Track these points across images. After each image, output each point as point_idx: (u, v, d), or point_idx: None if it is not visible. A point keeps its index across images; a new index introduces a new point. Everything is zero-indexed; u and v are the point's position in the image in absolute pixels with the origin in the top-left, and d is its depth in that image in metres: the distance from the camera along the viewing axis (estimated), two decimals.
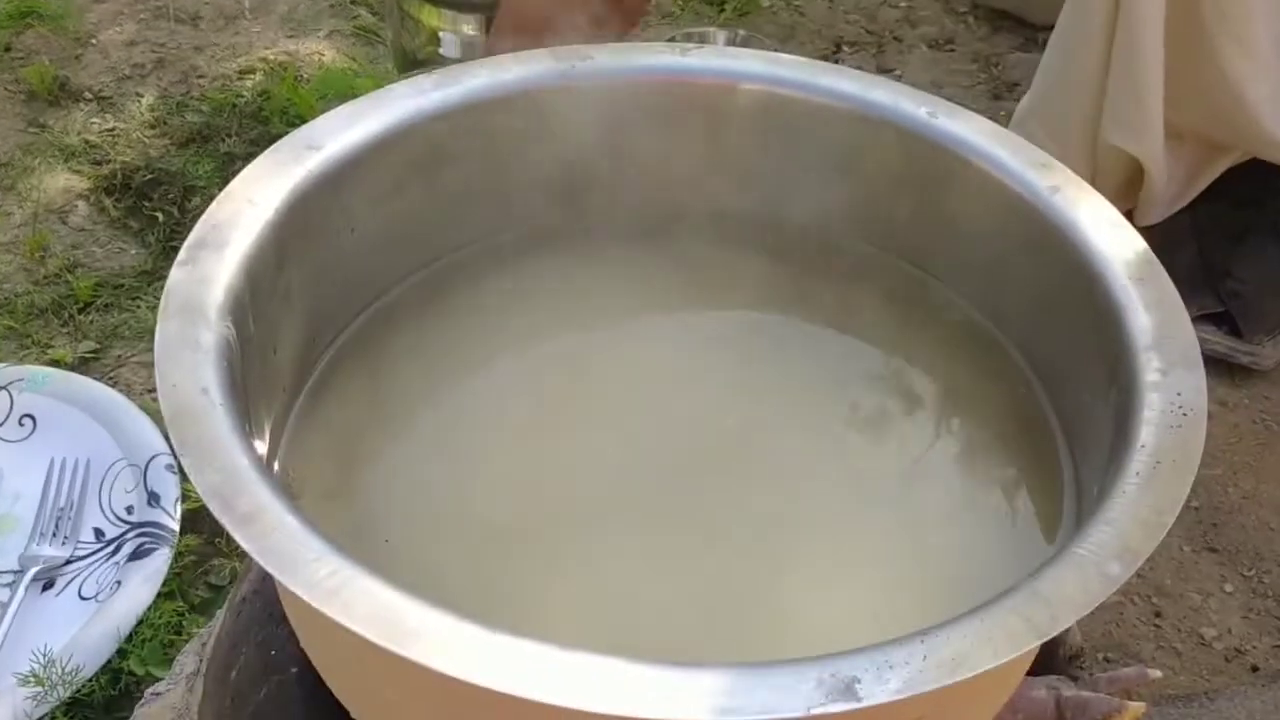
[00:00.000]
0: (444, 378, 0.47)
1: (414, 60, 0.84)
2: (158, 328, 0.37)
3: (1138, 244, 0.42)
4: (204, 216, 0.41)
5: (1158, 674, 0.54)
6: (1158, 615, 0.71)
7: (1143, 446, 0.35)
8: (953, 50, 1.12)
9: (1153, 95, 0.78)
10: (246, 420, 0.37)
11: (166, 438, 0.71)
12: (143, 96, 0.96)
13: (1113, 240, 0.42)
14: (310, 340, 0.46)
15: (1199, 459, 0.35)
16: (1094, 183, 0.85)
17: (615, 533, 0.42)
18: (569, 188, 0.50)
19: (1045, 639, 0.30)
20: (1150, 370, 0.38)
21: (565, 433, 0.46)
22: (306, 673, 0.44)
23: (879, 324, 0.49)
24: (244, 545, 0.32)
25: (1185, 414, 0.36)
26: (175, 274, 0.39)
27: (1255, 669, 0.69)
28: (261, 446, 0.42)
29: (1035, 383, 0.45)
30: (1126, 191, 0.87)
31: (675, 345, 0.49)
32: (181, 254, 0.40)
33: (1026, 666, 0.39)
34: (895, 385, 0.47)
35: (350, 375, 0.46)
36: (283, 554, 0.31)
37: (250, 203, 0.42)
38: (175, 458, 0.70)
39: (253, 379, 0.40)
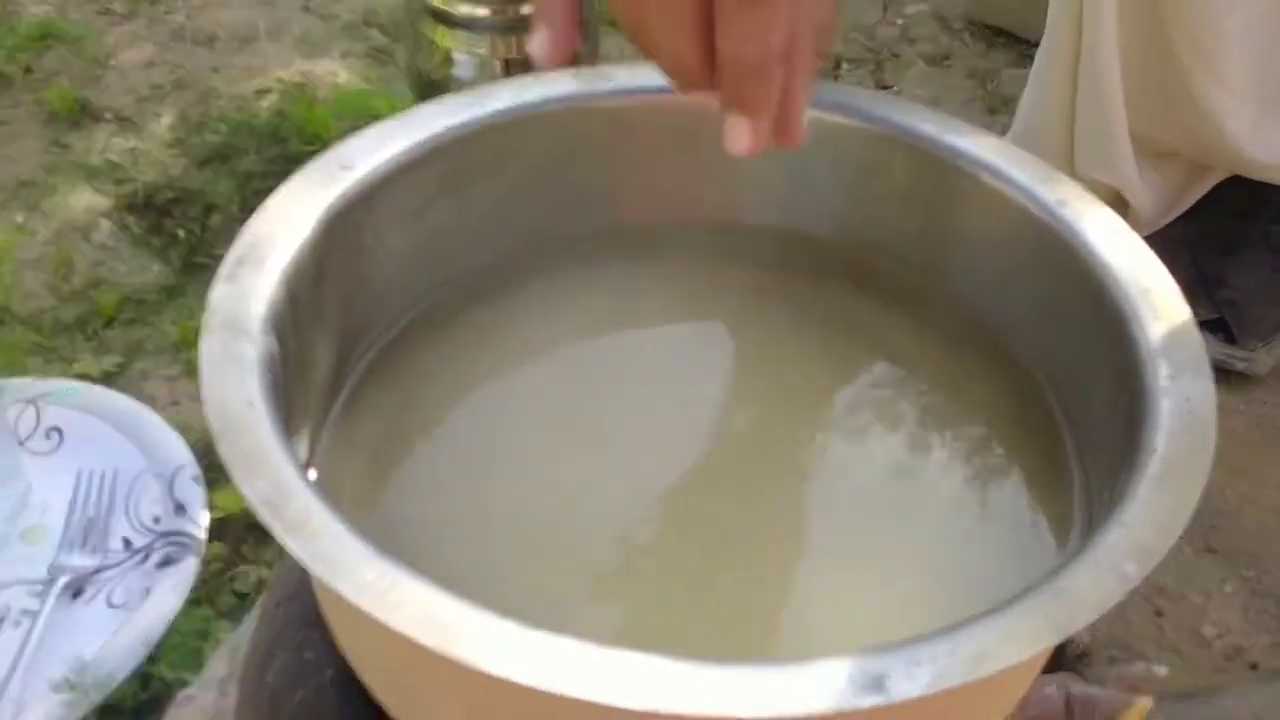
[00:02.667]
0: (471, 390, 0.49)
1: (428, 81, 0.86)
2: (202, 343, 0.39)
3: (1144, 253, 0.44)
4: (242, 234, 0.43)
5: (1164, 670, 0.56)
6: (1159, 615, 0.73)
7: (1154, 451, 0.37)
8: (949, 66, 1.14)
9: (1118, 129, 0.80)
10: (289, 433, 0.38)
11: (192, 449, 0.73)
12: (162, 116, 0.98)
13: (1119, 250, 0.44)
14: (343, 355, 0.47)
15: (1210, 462, 0.37)
16: None
17: (642, 538, 0.44)
18: (594, 204, 0.52)
19: (1066, 636, 0.32)
20: (1159, 377, 0.39)
21: (591, 441, 0.47)
22: (342, 675, 0.46)
23: (889, 337, 0.50)
24: (294, 551, 0.33)
25: (1195, 418, 0.38)
26: (218, 290, 0.41)
27: (1254, 667, 0.70)
28: (303, 457, 0.43)
29: (1046, 391, 0.47)
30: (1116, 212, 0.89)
31: (692, 355, 0.51)
32: (223, 269, 0.41)
33: (1042, 664, 0.40)
34: (906, 396, 0.49)
35: (381, 388, 0.48)
36: (331, 558, 0.33)
37: (287, 221, 0.44)
38: (202, 469, 0.72)
39: (294, 392, 0.42)
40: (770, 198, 0.52)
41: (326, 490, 0.44)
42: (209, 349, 0.39)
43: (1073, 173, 0.84)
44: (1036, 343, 0.47)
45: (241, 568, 0.69)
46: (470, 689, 0.34)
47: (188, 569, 0.67)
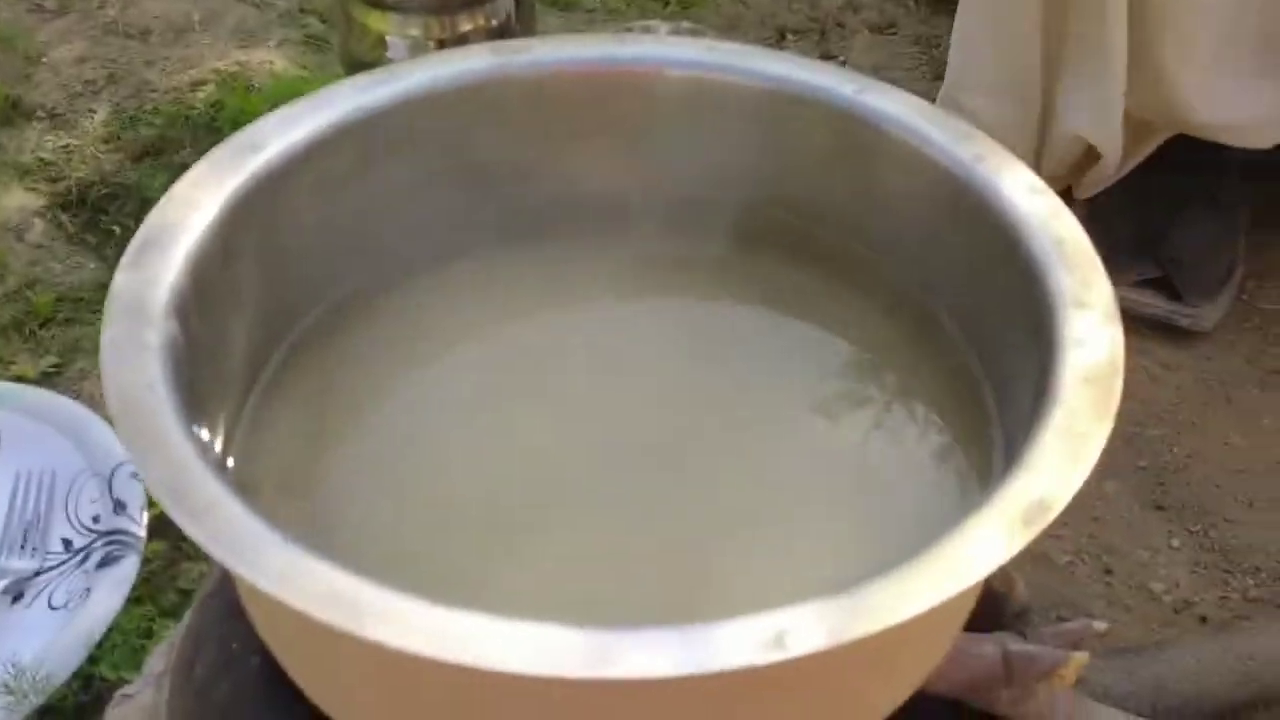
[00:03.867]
0: (396, 372, 0.48)
1: (362, 65, 0.84)
2: (103, 330, 0.38)
3: (1057, 207, 0.44)
4: (147, 219, 0.42)
5: (1103, 625, 0.56)
6: (1108, 573, 0.73)
7: (1061, 401, 0.37)
8: (895, 34, 1.14)
9: (1116, 86, 0.80)
10: (197, 416, 0.38)
11: None
12: (95, 112, 0.96)
13: (1034, 204, 0.44)
14: (262, 338, 0.46)
15: (1115, 409, 0.37)
16: (1039, 161, 0.88)
17: (571, 514, 0.43)
18: (513, 180, 0.51)
19: (966, 587, 0.32)
20: (1070, 326, 0.39)
21: (520, 420, 0.47)
22: (267, 664, 0.45)
23: (815, 301, 0.50)
24: (193, 535, 0.33)
25: (1102, 367, 0.38)
26: (120, 277, 0.40)
27: (1204, 619, 0.71)
28: (217, 444, 0.43)
29: (968, 348, 0.47)
30: (1072, 169, 0.89)
31: (623, 330, 0.50)
32: (126, 257, 0.41)
33: (961, 618, 0.41)
34: (832, 358, 0.49)
35: (304, 371, 0.47)
36: (232, 543, 0.33)
37: (194, 205, 0.43)
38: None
39: (204, 378, 0.41)
40: (693, 167, 0.52)
41: (247, 478, 0.44)
42: (110, 336, 0.38)
43: (1037, 120, 0.84)
44: (959, 300, 0.47)
45: (184, 565, 0.69)
46: (376, 666, 0.34)
47: (129, 568, 0.67)
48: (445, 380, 0.49)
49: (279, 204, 0.46)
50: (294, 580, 0.31)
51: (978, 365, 0.46)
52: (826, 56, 1.12)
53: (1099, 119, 0.82)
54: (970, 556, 0.32)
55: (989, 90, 0.85)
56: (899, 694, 0.38)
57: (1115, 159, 0.84)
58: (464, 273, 0.50)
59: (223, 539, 0.32)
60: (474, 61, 0.50)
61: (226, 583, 0.49)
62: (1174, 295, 0.88)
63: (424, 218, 0.51)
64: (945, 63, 1.14)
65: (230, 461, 0.44)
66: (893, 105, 0.48)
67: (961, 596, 0.33)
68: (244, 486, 0.44)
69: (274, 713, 0.44)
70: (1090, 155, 0.86)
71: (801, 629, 0.30)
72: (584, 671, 0.29)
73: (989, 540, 0.33)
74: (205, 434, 0.40)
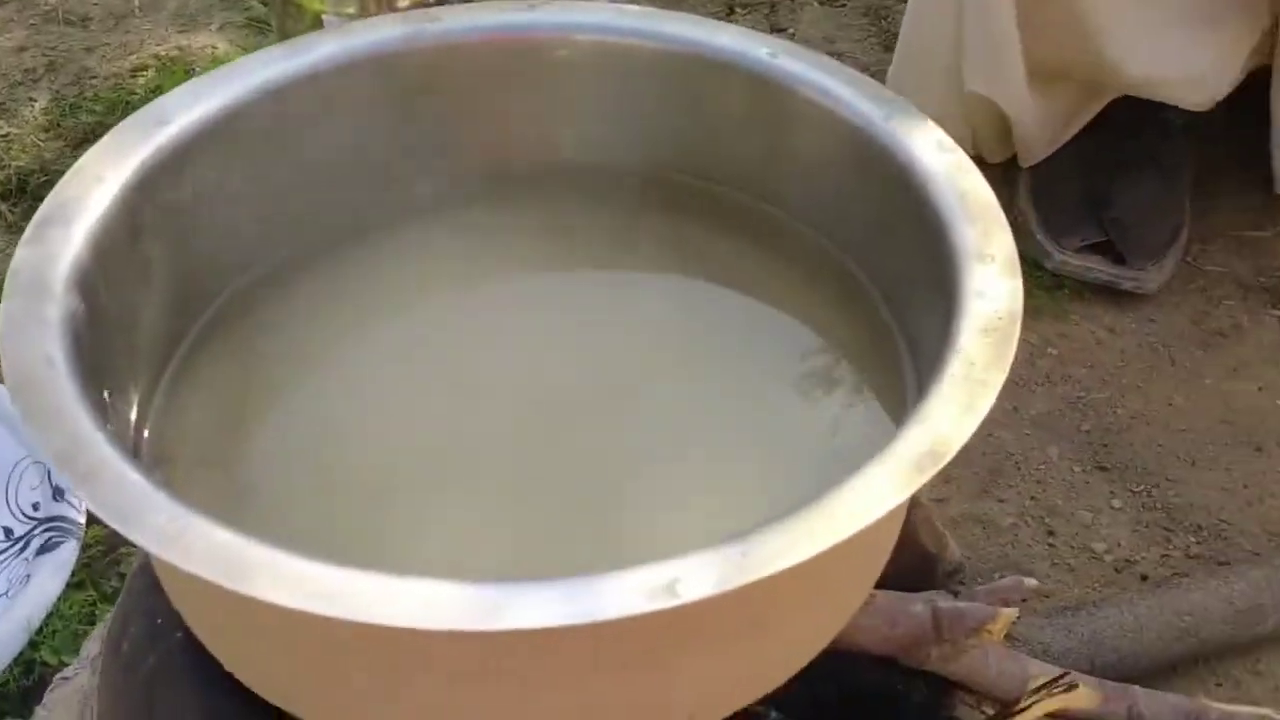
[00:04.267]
0: (312, 347, 0.48)
1: None
2: (2, 304, 0.38)
3: (963, 162, 0.44)
4: (51, 194, 0.42)
5: (1033, 582, 0.56)
6: (1050, 534, 0.74)
7: (959, 350, 0.37)
8: (844, 6, 1.14)
9: (1008, 42, 0.80)
10: (97, 389, 0.37)
11: None
12: (36, 101, 0.95)
13: (940, 161, 0.44)
14: (175, 314, 0.46)
15: (1011, 358, 0.37)
16: (973, 134, 0.88)
17: (478, 480, 0.43)
18: (425, 151, 0.51)
19: (854, 532, 0.32)
20: (971, 279, 0.40)
21: (431, 392, 0.47)
22: (191, 636, 0.45)
23: (735, 263, 0.50)
24: (86, 501, 0.33)
25: (1000, 319, 0.38)
26: (21, 252, 0.40)
27: (1144, 578, 0.72)
28: (130, 417, 0.43)
29: (881, 303, 0.47)
30: (1005, 138, 0.89)
31: (537, 298, 0.50)
32: (27, 232, 0.41)
33: (871, 568, 0.41)
34: (751, 319, 0.49)
35: (219, 348, 0.47)
36: (123, 507, 0.33)
37: (98, 179, 0.43)
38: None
39: (113, 354, 0.41)
40: (610, 133, 0.52)
41: (162, 453, 0.44)
42: (8, 310, 0.38)
43: (960, 92, 0.84)
44: (871, 257, 0.48)
45: (124, 549, 0.68)
46: (273, 627, 0.34)
47: (68, 553, 0.66)
48: (360, 354, 0.48)
49: (186, 178, 0.46)
50: (179, 540, 0.31)
51: (892, 320, 0.47)
52: (776, 29, 1.12)
53: (996, 76, 0.82)
54: (860, 503, 0.32)
55: (924, 72, 0.85)
56: (810, 645, 0.39)
57: (1027, 119, 0.84)
58: (379, 246, 0.50)
59: (110, 501, 0.32)
60: (385, 32, 0.50)
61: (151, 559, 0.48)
62: (1118, 259, 0.88)
63: (338, 191, 0.51)
64: (893, 33, 1.14)
65: (145, 434, 0.44)
66: (805, 67, 0.49)
67: (857, 542, 0.33)
68: (159, 459, 0.44)
69: (198, 683, 0.44)
70: (1012, 129, 0.87)
71: (693, 576, 0.31)
72: (475, 624, 0.29)
73: (880, 487, 0.33)
74: (113, 407, 0.40)
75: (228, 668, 0.39)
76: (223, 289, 0.48)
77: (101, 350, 0.40)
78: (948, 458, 0.34)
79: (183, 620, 0.45)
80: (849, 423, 0.46)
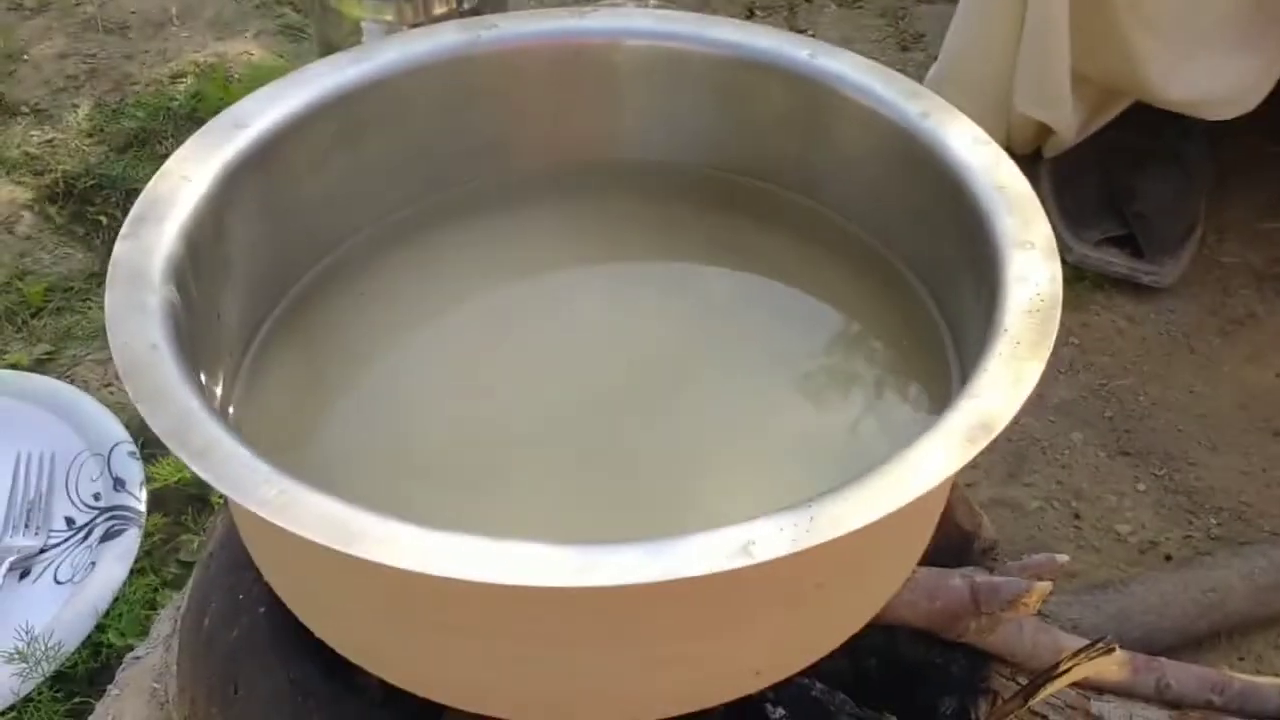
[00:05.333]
0: (383, 333, 0.51)
1: (338, 51, 0.87)
2: (106, 294, 0.41)
3: (999, 155, 0.46)
4: (143, 194, 0.45)
5: (1064, 558, 0.58)
6: (1076, 517, 0.76)
7: (1005, 330, 0.40)
8: (861, 7, 1.16)
9: (1060, 68, 0.83)
10: (197, 372, 0.40)
11: (126, 428, 0.74)
12: (78, 106, 0.98)
13: (977, 154, 0.46)
14: (254, 304, 0.49)
15: (1054, 338, 0.39)
16: (1008, 140, 0.90)
17: (542, 459, 0.46)
18: (486, 149, 0.53)
19: (913, 499, 0.34)
20: (1013, 265, 0.42)
21: (496, 377, 0.49)
22: (273, 610, 0.48)
23: (776, 256, 0.53)
24: (201, 475, 0.35)
25: (1042, 300, 0.41)
26: (119, 246, 0.42)
27: (1168, 558, 0.74)
28: (217, 398, 0.45)
29: (921, 290, 0.49)
30: (1038, 139, 0.92)
31: (593, 290, 0.53)
32: (124, 229, 0.43)
33: (920, 537, 0.43)
34: (796, 307, 0.51)
35: (295, 335, 0.50)
36: (236, 479, 0.35)
37: (185, 179, 0.46)
38: (137, 445, 0.73)
39: (200, 341, 0.44)
40: (656, 132, 0.54)
41: (246, 427, 0.46)
42: (113, 300, 0.40)
43: (1007, 104, 0.87)
44: (910, 247, 0.50)
45: (184, 537, 0.71)
46: (375, 591, 0.36)
47: (131, 540, 0.69)
48: (424, 342, 0.51)
49: (265, 177, 0.48)
50: (290, 509, 0.34)
51: (933, 306, 0.49)
52: (795, 31, 1.15)
53: (1048, 102, 0.85)
54: (917, 471, 0.35)
55: (966, 82, 0.88)
56: (866, 609, 0.41)
57: (1070, 131, 0.87)
58: (444, 239, 0.53)
59: (225, 474, 0.35)
60: (444, 39, 0.52)
61: (231, 539, 0.51)
62: (1135, 252, 0.90)
63: (403, 188, 0.53)
64: (910, 33, 1.17)
65: (230, 412, 0.46)
66: (845, 67, 0.51)
67: (913, 509, 0.35)
68: (243, 436, 0.46)
69: (279, 655, 0.47)
70: (1049, 132, 0.89)
71: (767, 538, 0.33)
72: (570, 581, 0.32)
73: (937, 457, 0.35)
74: (207, 388, 0.42)
75: (318, 633, 0.41)
76: (295, 281, 0.51)
77: (195, 338, 0.42)
78: (997, 430, 0.36)
79: (266, 597, 0.48)
80: (894, 402, 0.48)
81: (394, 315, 0.51)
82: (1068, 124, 0.86)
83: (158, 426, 0.36)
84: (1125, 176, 0.92)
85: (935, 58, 0.94)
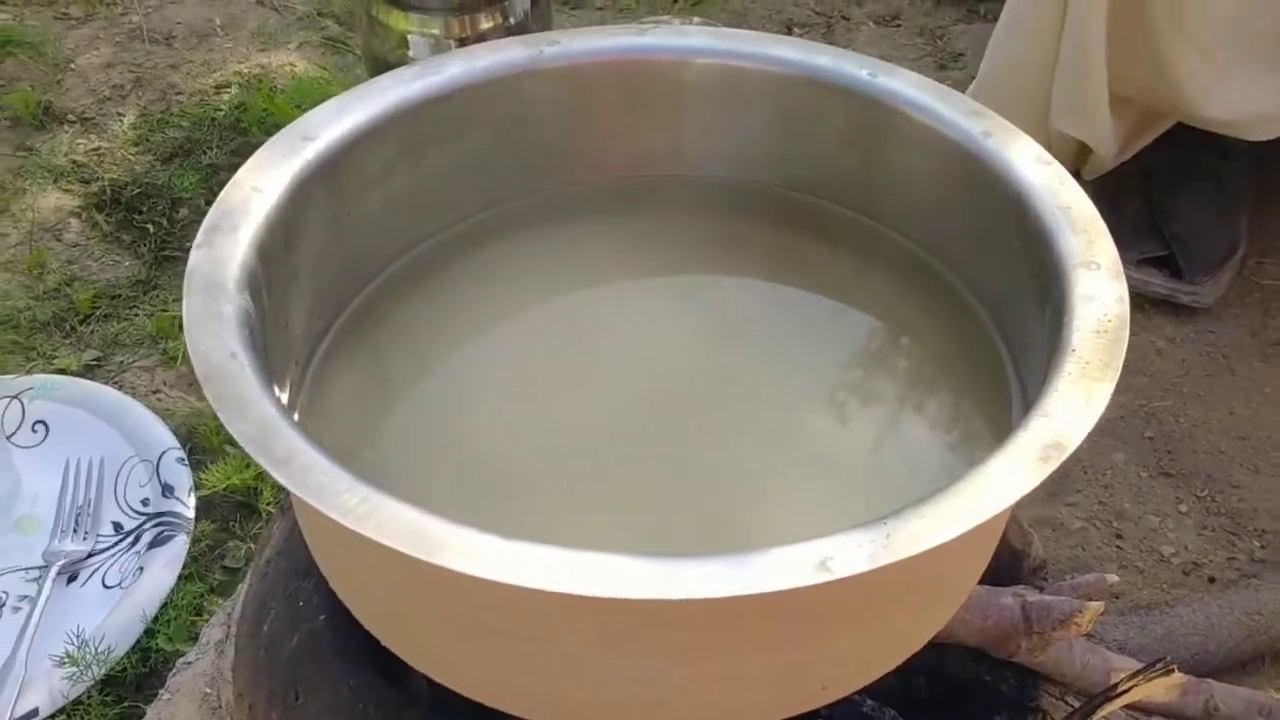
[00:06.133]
0: (444, 342, 0.51)
1: (385, 64, 0.88)
2: (184, 302, 0.41)
3: (1063, 175, 0.46)
4: (215, 204, 0.45)
5: (1114, 579, 0.58)
6: (1119, 537, 0.76)
7: (1073, 351, 0.40)
8: (899, 26, 1.17)
9: (1097, 87, 0.83)
10: (270, 380, 0.40)
11: (174, 433, 0.75)
12: (124, 116, 0.99)
13: (1041, 174, 0.47)
14: (317, 314, 0.49)
15: (1123, 357, 0.40)
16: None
17: (615, 463, 0.46)
18: (547, 163, 0.54)
19: (989, 518, 0.34)
20: (1079, 285, 0.42)
21: (559, 384, 0.50)
22: (334, 618, 0.48)
23: (834, 273, 0.53)
24: (283, 482, 0.36)
25: (1110, 320, 0.41)
26: (195, 255, 0.43)
27: (1212, 580, 0.74)
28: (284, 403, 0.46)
29: (982, 312, 0.50)
30: (1078, 160, 0.92)
31: (656, 303, 0.53)
32: (199, 238, 0.44)
33: (984, 556, 0.43)
34: (853, 327, 0.52)
35: (358, 344, 0.50)
36: (318, 487, 0.35)
37: (256, 190, 0.46)
38: (185, 451, 0.74)
39: (271, 349, 0.44)
40: (717, 149, 0.55)
41: (312, 433, 0.47)
42: (190, 307, 0.41)
43: (1044, 122, 0.87)
44: (970, 266, 0.50)
45: (230, 544, 0.72)
46: (453, 601, 0.37)
47: (179, 546, 0.69)
48: (490, 350, 0.51)
49: (332, 188, 0.49)
50: (371, 517, 0.34)
51: (991, 326, 0.49)
52: None
53: (1085, 119, 0.85)
54: (994, 489, 0.35)
55: (1005, 101, 0.88)
56: (931, 626, 0.41)
57: (1108, 151, 0.87)
58: (505, 250, 0.53)
59: (307, 482, 0.35)
60: (507, 54, 0.53)
61: (290, 546, 0.51)
62: (1175, 273, 0.90)
63: (464, 200, 0.54)
64: (948, 52, 1.17)
65: (296, 420, 0.46)
66: (905, 86, 0.51)
67: (987, 527, 0.35)
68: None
69: (340, 663, 0.47)
70: (1090, 153, 0.90)
71: (844, 554, 0.33)
72: (652, 593, 0.32)
73: (1010, 475, 0.36)
74: (278, 394, 0.43)
75: (385, 642, 0.42)
76: (358, 292, 0.52)
77: (267, 346, 0.43)
78: (1070, 449, 0.36)
79: (326, 604, 0.48)
80: (950, 420, 0.48)
81: (455, 325, 0.52)
82: (1106, 143, 0.86)
83: (239, 433, 0.37)
84: (1165, 196, 0.92)
85: (973, 77, 0.95)
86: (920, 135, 0.51)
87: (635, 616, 0.34)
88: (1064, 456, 0.36)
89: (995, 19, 0.90)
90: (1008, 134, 0.49)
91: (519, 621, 0.36)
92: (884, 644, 0.40)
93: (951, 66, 1.12)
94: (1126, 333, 0.40)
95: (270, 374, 0.41)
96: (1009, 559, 0.59)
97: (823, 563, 0.33)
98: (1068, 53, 0.83)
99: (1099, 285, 0.42)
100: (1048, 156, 0.48)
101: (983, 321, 0.50)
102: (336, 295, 0.50)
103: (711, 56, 0.53)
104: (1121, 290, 0.42)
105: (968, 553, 0.41)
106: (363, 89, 0.51)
